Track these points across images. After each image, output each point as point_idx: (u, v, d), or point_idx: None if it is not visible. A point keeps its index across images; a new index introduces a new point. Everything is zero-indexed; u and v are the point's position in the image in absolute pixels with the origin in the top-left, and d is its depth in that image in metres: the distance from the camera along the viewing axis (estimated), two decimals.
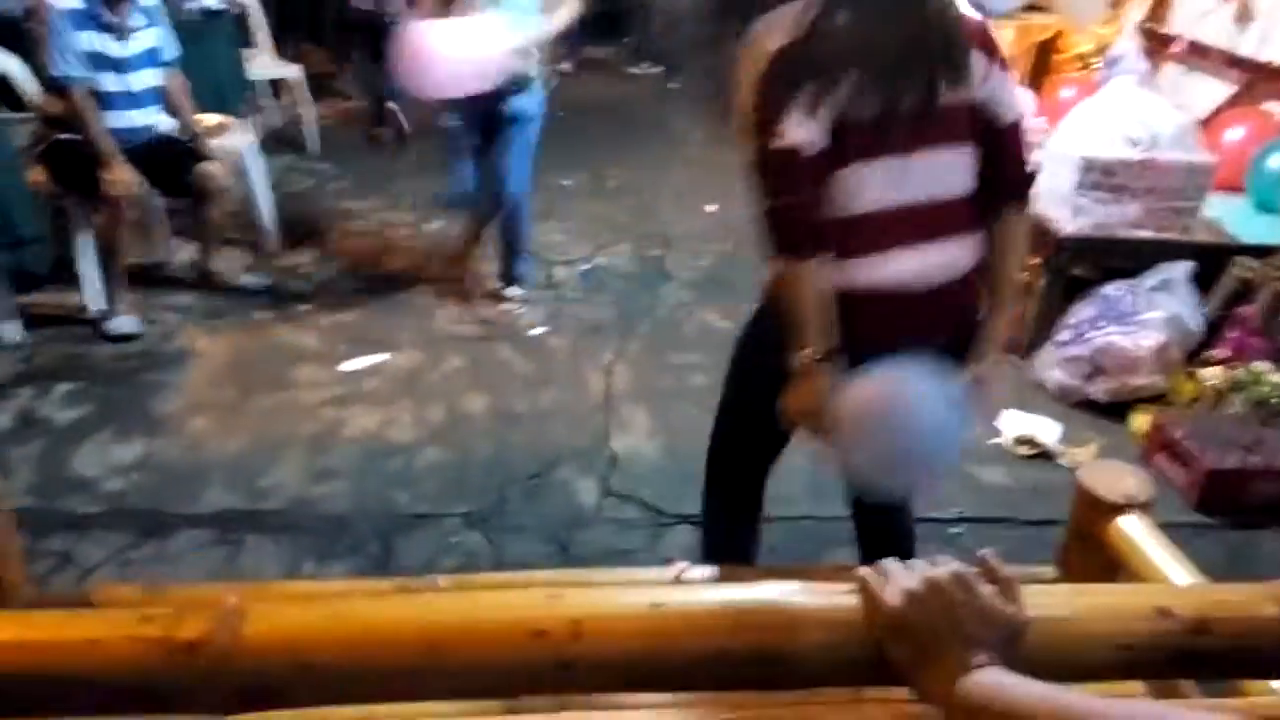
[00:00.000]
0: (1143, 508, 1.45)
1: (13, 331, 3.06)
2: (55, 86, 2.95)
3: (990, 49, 1.55)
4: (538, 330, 3.34)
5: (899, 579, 0.81)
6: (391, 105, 5.11)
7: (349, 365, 3.03)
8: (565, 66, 6.20)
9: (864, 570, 0.84)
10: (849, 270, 1.53)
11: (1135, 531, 1.40)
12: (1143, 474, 1.49)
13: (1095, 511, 1.46)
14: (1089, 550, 1.49)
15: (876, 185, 1.50)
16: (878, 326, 1.56)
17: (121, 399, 2.77)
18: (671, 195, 4.69)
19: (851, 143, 1.47)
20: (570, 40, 5.72)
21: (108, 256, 3.08)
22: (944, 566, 0.81)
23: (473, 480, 2.49)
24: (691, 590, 0.81)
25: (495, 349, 3.20)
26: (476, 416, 2.80)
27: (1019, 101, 1.64)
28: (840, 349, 1.53)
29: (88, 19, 2.91)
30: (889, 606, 0.74)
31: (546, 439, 2.70)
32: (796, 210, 1.50)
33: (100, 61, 2.96)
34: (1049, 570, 1.60)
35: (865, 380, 1.49)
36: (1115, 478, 1.48)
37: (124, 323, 3.09)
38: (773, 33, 1.47)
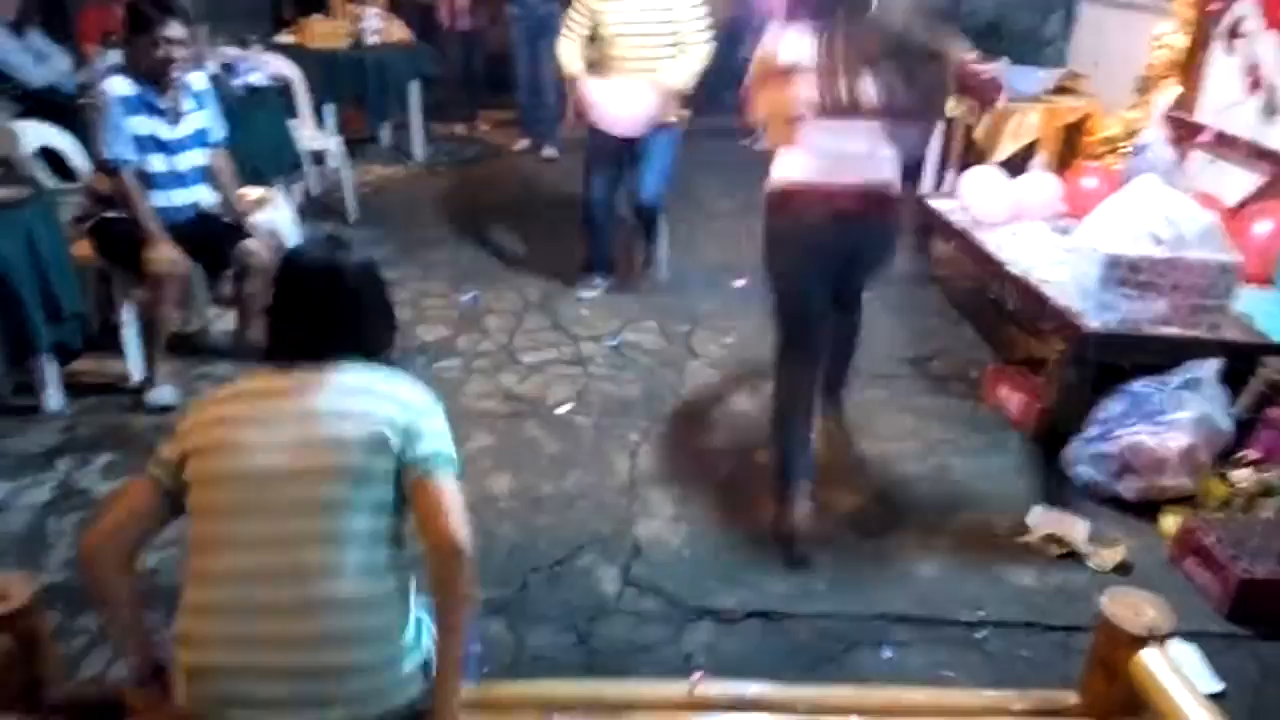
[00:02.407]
0: (1164, 640, 1.44)
1: (55, 400, 3.15)
2: (105, 168, 3.07)
3: None
4: (565, 408, 3.38)
5: None
6: None
7: None
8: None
9: None
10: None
11: (1157, 666, 1.40)
12: (1163, 604, 1.49)
13: (1117, 642, 1.46)
14: (1111, 679, 1.49)
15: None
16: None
17: None
18: (699, 269, 4.75)
19: None
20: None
21: (149, 330, 3.18)
22: None
23: (496, 565, 2.51)
24: None
25: (522, 426, 3.24)
26: (502, 497, 2.83)
27: None
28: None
29: (141, 104, 3.05)
30: None
31: (571, 523, 2.72)
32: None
33: (150, 144, 3.09)
34: (1071, 696, 1.59)
35: None
36: (1138, 607, 1.49)
37: (163, 394, 3.17)
38: None
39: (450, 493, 1.42)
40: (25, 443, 3.00)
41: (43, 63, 4.37)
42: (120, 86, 3.01)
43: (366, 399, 1.46)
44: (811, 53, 2.40)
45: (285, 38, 5.93)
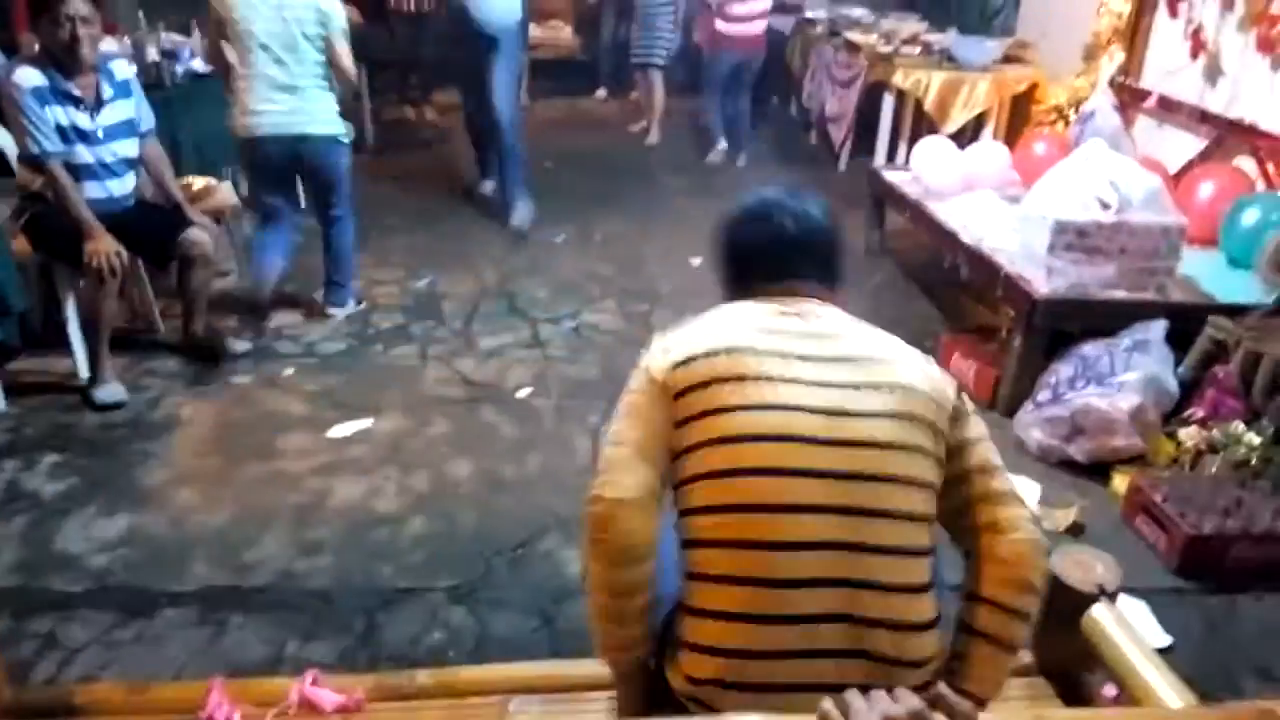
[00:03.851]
0: (1113, 596, 1.47)
1: None
2: (30, 161, 2.97)
3: None
4: (524, 391, 3.36)
5: (859, 714, 0.84)
6: None
7: (335, 432, 3.04)
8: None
9: (825, 704, 0.86)
10: None
11: (1107, 622, 1.42)
12: (1112, 561, 1.51)
13: (1067, 600, 1.48)
14: (1063, 638, 1.51)
15: None
16: None
17: (107, 470, 2.78)
18: (657, 249, 4.74)
19: None
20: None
21: (92, 325, 3.10)
22: (903, 703, 0.84)
23: (458, 551, 2.49)
24: None
25: (481, 411, 3.21)
26: (462, 482, 2.81)
27: None
28: None
29: (54, 94, 2.94)
30: None
31: (532, 506, 2.70)
32: None
33: (71, 134, 2.99)
34: (1025, 654, 1.62)
35: None
36: (1087, 565, 1.51)
37: (110, 391, 3.10)
38: None
39: None
40: None
41: None
42: (30, 77, 2.90)
43: None
44: None
45: None
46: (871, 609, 1.18)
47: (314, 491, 2.73)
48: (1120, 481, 2.72)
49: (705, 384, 1.25)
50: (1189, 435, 2.71)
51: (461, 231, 4.90)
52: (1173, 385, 2.80)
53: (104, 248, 2.94)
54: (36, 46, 3.20)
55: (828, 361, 1.26)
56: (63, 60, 2.93)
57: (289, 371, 3.43)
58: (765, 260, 1.42)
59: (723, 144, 6.24)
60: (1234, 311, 2.90)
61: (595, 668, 1.80)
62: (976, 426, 1.32)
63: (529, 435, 3.07)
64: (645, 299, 4.15)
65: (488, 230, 4.93)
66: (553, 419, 3.18)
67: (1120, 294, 2.98)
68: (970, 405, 1.34)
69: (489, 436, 3.06)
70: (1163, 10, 4.20)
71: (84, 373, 3.19)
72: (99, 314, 3.06)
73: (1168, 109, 4.08)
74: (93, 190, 3.04)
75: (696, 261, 4.53)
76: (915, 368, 1.28)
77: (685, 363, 1.27)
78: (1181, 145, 4.00)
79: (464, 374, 3.47)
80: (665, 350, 1.31)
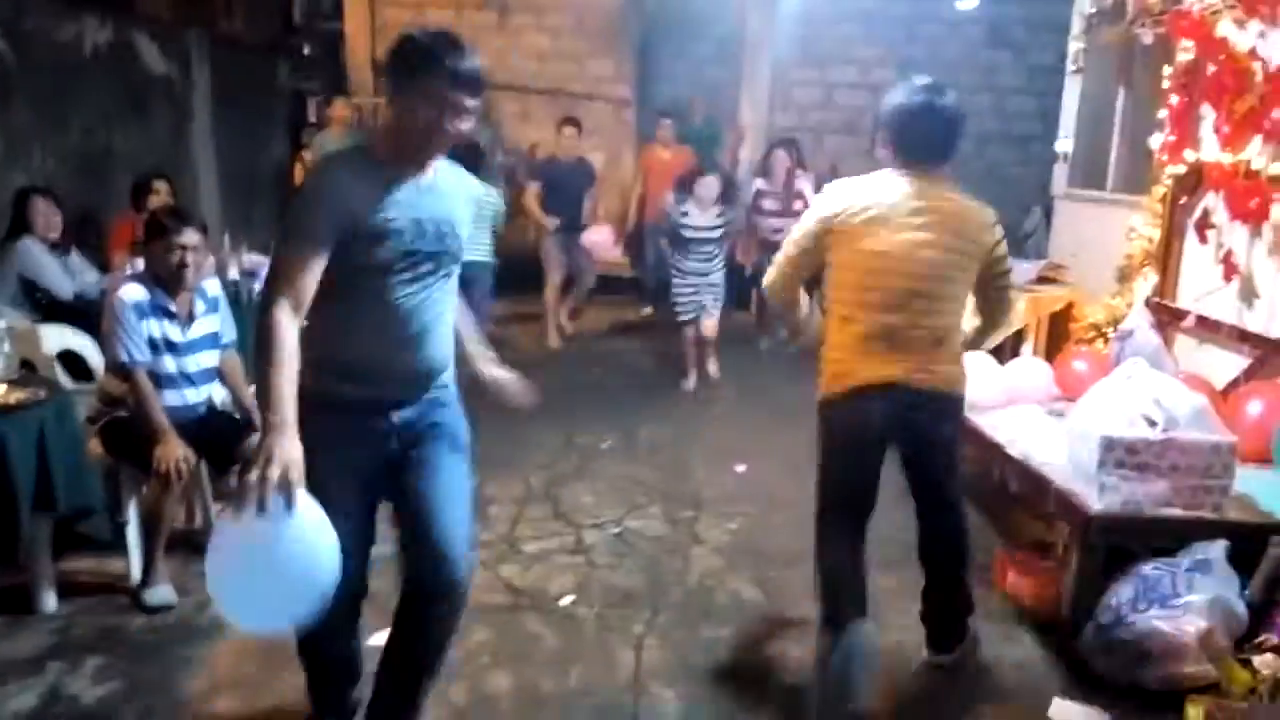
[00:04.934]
0: None
1: (49, 601, 3.11)
2: (118, 370, 3.17)
3: None
4: (566, 600, 3.32)
5: None
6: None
7: (376, 640, 3.00)
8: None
9: None
10: None
11: None
12: None
13: None
14: None
15: None
16: None
17: (150, 677, 2.75)
18: (701, 455, 4.78)
19: None
20: None
21: (152, 527, 3.17)
22: None
23: None
24: None
25: (522, 620, 3.17)
26: (501, 698, 2.74)
27: None
28: None
29: (154, 309, 3.18)
30: None
31: None
32: None
33: (162, 345, 3.20)
34: None
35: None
36: None
37: (160, 594, 3.13)
38: None
39: None
40: (14, 647, 2.93)
41: (75, 278, 4.61)
42: (134, 292, 3.15)
43: None
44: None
45: None
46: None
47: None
48: (1195, 712, 2.55)
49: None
50: (1265, 663, 2.57)
51: (507, 435, 4.99)
52: (1241, 609, 2.69)
53: (174, 453, 3.07)
54: (138, 264, 3.49)
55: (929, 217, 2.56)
56: (167, 282, 3.19)
57: None
58: (924, 147, 2.59)
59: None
60: None
61: None
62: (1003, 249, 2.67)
63: (571, 648, 3.01)
64: (690, 505, 4.15)
65: (534, 433, 5.03)
66: (594, 629, 3.13)
67: (1176, 512, 2.93)
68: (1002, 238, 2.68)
69: (530, 647, 3.01)
70: (1192, 236, 4.36)
71: (137, 575, 3.23)
72: (160, 516, 3.14)
73: (1207, 328, 4.15)
74: (171, 398, 3.22)
75: (741, 469, 4.56)
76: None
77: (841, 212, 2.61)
78: (1224, 363, 4.03)
79: (507, 580, 3.45)
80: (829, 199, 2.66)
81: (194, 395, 3.31)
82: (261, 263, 4.83)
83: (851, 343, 2.60)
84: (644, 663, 2.93)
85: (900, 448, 2.68)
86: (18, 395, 3.03)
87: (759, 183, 6.86)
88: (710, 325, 5.96)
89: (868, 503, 2.69)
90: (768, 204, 6.74)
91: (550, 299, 6.94)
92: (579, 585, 3.42)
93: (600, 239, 7.41)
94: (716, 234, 5.87)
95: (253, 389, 3.64)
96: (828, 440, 2.71)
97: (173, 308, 3.22)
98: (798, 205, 6.36)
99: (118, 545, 3.30)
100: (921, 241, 2.52)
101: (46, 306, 4.39)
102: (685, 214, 5.83)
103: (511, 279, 6.91)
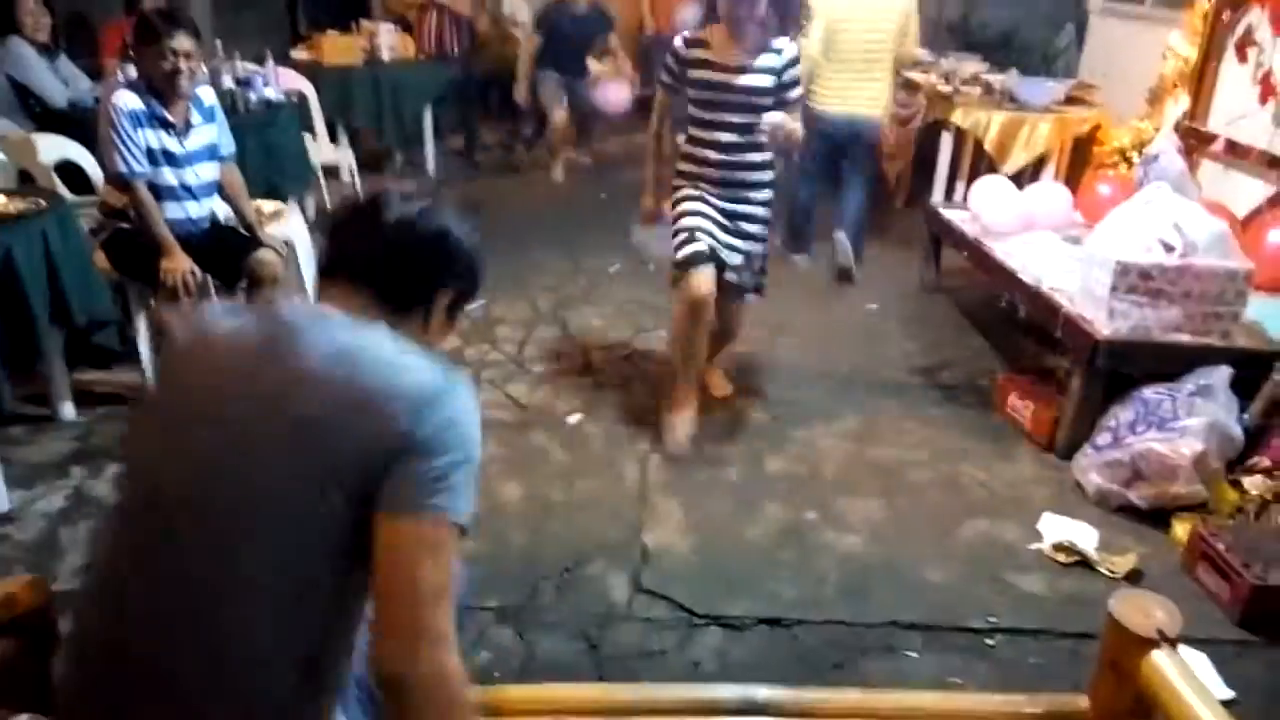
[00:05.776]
0: (1174, 643, 1.43)
1: (68, 410, 3.19)
2: (118, 181, 3.10)
3: None
4: (575, 417, 3.38)
5: None
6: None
7: None
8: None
9: None
10: None
11: (1167, 668, 1.39)
12: (1172, 607, 1.48)
13: (1126, 644, 1.45)
14: (1121, 683, 1.48)
15: None
16: None
17: None
18: None
19: None
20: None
21: (161, 339, 3.20)
22: None
23: (506, 573, 2.51)
24: None
25: (532, 436, 3.25)
26: (511, 504, 2.84)
27: None
28: None
29: (149, 118, 3.08)
30: None
31: (580, 530, 2.72)
32: None
33: (160, 157, 3.12)
34: (1082, 700, 1.58)
35: None
36: (1147, 609, 1.48)
37: None
38: None
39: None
40: (39, 451, 3.03)
41: (68, 84, 4.46)
42: (129, 100, 3.04)
43: None
44: None
45: (301, 54, 6.00)
46: None
47: None
48: (1181, 529, 2.65)
49: None
50: (1254, 484, 2.64)
51: (515, 258, 4.97)
52: (1237, 432, 2.73)
53: (180, 266, 3.06)
54: (130, 70, 3.36)
55: None
56: (162, 89, 3.06)
57: None
58: None
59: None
60: None
61: (641, 691, 1.81)
62: None
63: (579, 461, 3.10)
64: None
65: (541, 257, 5.00)
66: (602, 444, 3.20)
67: (1184, 338, 2.93)
68: None
69: (539, 460, 3.09)
70: (1231, 55, 4.14)
71: (152, 384, 3.29)
72: (170, 330, 3.16)
73: (1235, 153, 4.01)
74: (173, 211, 3.17)
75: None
76: None
77: None
78: (1249, 190, 3.92)
79: (516, 398, 3.51)
80: None
81: (196, 209, 3.25)
82: (255, 71, 4.66)
83: None
84: (648, 476, 3.02)
85: None
86: (18, 205, 2.98)
87: None
88: None
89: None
90: None
91: (554, 137, 6.47)
92: (586, 404, 3.48)
93: (616, 96, 6.51)
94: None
95: (255, 202, 3.60)
96: None
97: (169, 117, 3.12)
98: None
99: (129, 356, 3.34)
100: None
101: (41, 116, 4.27)
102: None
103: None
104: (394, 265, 1.29)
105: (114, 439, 3.09)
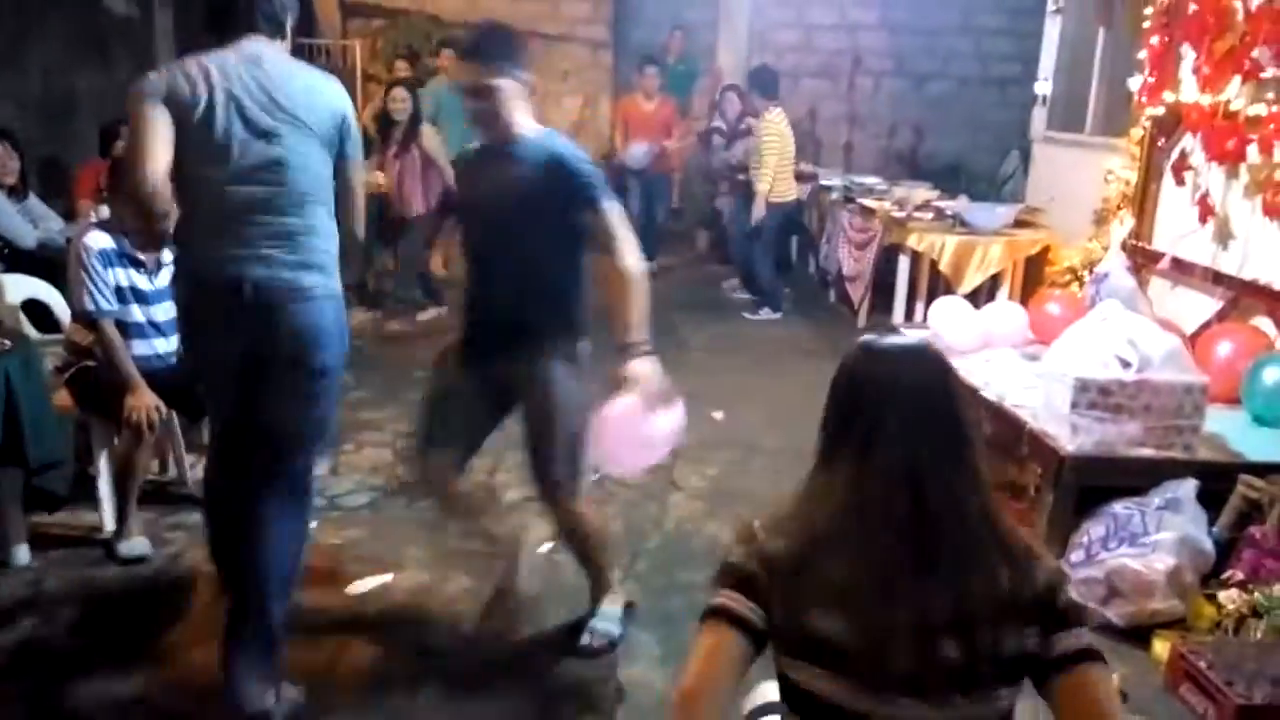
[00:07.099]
0: None
1: (23, 555, 3.08)
2: (85, 319, 3.11)
3: None
4: (545, 547, 3.32)
5: None
6: None
7: (356, 588, 3.01)
8: None
9: None
10: None
11: None
12: None
13: None
14: None
15: None
16: None
17: (125, 628, 2.75)
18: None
19: None
20: None
21: (124, 479, 3.14)
22: None
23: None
24: None
25: (500, 566, 3.17)
26: (481, 644, 2.75)
27: None
28: None
29: (119, 256, 3.11)
30: None
31: (552, 670, 2.64)
32: None
33: (129, 294, 3.14)
34: None
35: None
36: None
37: (135, 545, 3.11)
38: None
39: None
40: None
41: (37, 224, 4.49)
42: (101, 240, 3.07)
43: None
44: None
45: None
46: None
47: (328, 652, 2.68)
48: (1161, 647, 2.62)
49: None
50: (1230, 599, 2.63)
51: None
52: (1208, 546, 2.74)
53: (145, 402, 3.03)
54: (103, 211, 3.40)
55: None
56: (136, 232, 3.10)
57: (311, 525, 3.42)
58: None
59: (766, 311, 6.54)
60: (1264, 470, 2.87)
61: None
62: None
63: (550, 593, 3.02)
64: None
65: None
66: (575, 575, 3.13)
67: (1147, 452, 2.97)
68: None
69: (511, 593, 3.01)
70: (1169, 178, 4.36)
71: (110, 526, 3.20)
72: (132, 468, 3.11)
73: (1181, 270, 4.17)
74: (140, 348, 3.16)
75: (719, 415, 4.57)
76: None
77: None
78: (1197, 306, 4.06)
79: (486, 527, 3.44)
80: None
81: (163, 345, 3.25)
82: None
83: None
84: None
85: None
86: None
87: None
88: None
89: None
90: (716, 139, 7.61)
91: None
92: (557, 532, 3.42)
93: None
94: None
95: None
96: None
97: (140, 256, 3.15)
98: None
99: (78, 499, 3.26)
100: None
101: (9, 257, 4.29)
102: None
103: None
104: None
105: (69, 584, 2.98)
